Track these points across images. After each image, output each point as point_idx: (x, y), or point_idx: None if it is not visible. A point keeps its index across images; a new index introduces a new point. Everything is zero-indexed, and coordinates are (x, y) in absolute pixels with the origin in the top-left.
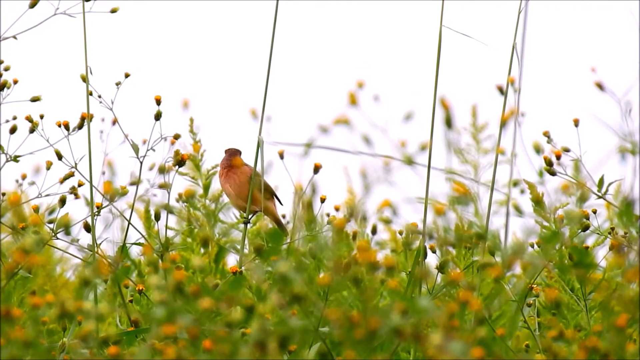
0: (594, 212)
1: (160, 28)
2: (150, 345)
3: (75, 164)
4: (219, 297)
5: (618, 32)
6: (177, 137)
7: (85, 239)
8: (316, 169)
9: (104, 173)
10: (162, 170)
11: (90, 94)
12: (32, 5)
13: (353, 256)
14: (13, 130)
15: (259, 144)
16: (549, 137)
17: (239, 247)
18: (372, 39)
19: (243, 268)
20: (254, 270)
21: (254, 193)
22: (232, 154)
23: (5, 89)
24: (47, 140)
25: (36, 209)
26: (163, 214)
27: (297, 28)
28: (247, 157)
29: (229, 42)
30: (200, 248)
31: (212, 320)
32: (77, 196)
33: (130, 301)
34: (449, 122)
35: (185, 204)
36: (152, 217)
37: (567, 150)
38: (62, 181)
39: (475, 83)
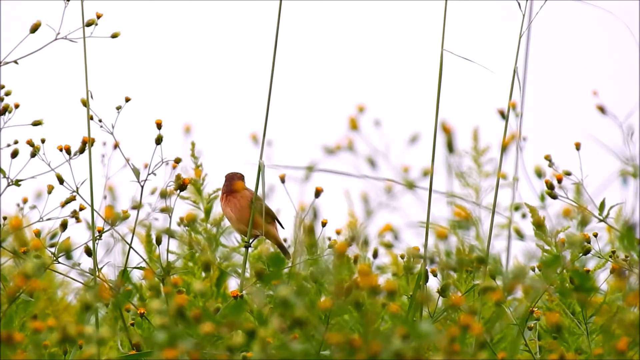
0: (595, 235)
1: (161, 52)
2: None
3: (77, 188)
4: (220, 321)
5: (620, 56)
6: (178, 161)
7: (86, 263)
8: (317, 193)
9: (105, 197)
10: (164, 195)
11: (91, 118)
12: (33, 30)
13: (354, 280)
14: (14, 154)
15: (260, 168)
16: (550, 160)
17: (240, 271)
18: (373, 62)
19: (244, 292)
20: (255, 294)
21: (255, 217)
22: (231, 178)
23: (7, 113)
24: (49, 165)
25: (37, 233)
26: (164, 238)
27: (298, 52)
28: (249, 181)
29: (230, 66)
30: (202, 272)
31: (213, 344)
32: (78, 220)
33: (132, 325)
34: (450, 146)
35: (186, 228)
36: (154, 241)
37: (568, 173)
38: (63, 205)
39: (476, 107)
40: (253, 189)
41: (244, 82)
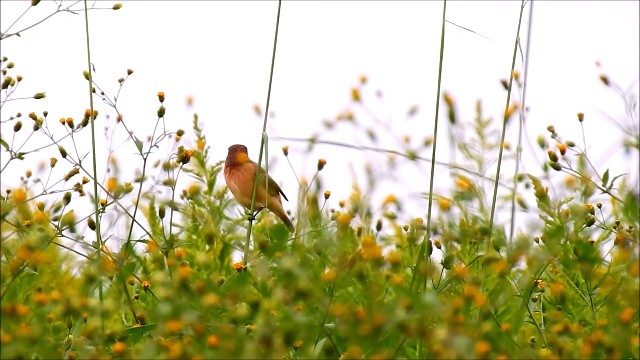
0: (599, 206)
1: (164, 24)
2: (156, 342)
3: (80, 161)
4: (224, 293)
5: (622, 26)
6: (180, 133)
7: (90, 236)
8: (320, 165)
9: (108, 170)
10: (167, 167)
11: (94, 91)
12: (35, 3)
13: (358, 252)
14: (18, 127)
15: (263, 140)
16: (553, 131)
17: (244, 243)
18: (375, 34)
19: (248, 264)
20: (259, 266)
21: (258, 189)
22: (235, 150)
23: (9, 86)
24: (51, 138)
25: (41, 207)
26: (168, 211)
27: (300, 24)
28: (252, 153)
29: (232, 38)
30: (205, 245)
31: (217, 316)
32: (82, 193)
33: (136, 298)
34: (452, 117)
35: (189, 200)
36: (157, 214)
37: (571, 144)
38: (66, 178)
39: (479, 78)
40: (256, 161)
41: (246, 53)
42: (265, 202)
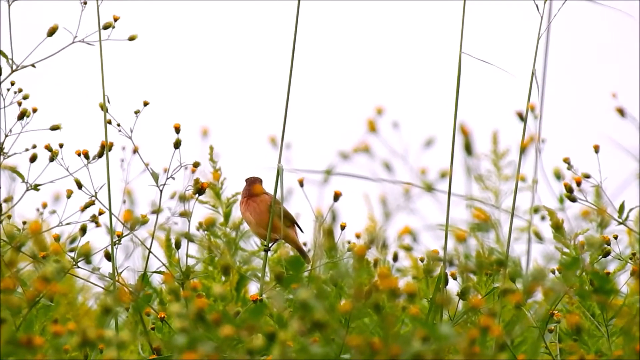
0: (615, 237)
1: (179, 56)
2: None
3: (95, 192)
4: (240, 324)
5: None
6: (196, 165)
7: (106, 267)
8: (336, 197)
9: (124, 202)
10: (183, 199)
11: (109, 122)
12: (51, 34)
13: (374, 283)
14: (33, 159)
15: (279, 172)
16: (569, 163)
17: (259, 274)
18: (391, 65)
19: (264, 296)
20: (275, 298)
21: (274, 221)
22: (252, 182)
23: (25, 118)
24: (67, 169)
25: (57, 238)
26: (184, 242)
27: (316, 55)
28: (267, 185)
29: (248, 70)
30: (222, 276)
31: (233, 347)
32: (98, 224)
33: (152, 329)
34: (468, 148)
35: (205, 232)
36: (173, 245)
37: (587, 176)
38: (83, 209)
39: (495, 110)
40: (272, 192)
41: (262, 84)
42: (281, 234)
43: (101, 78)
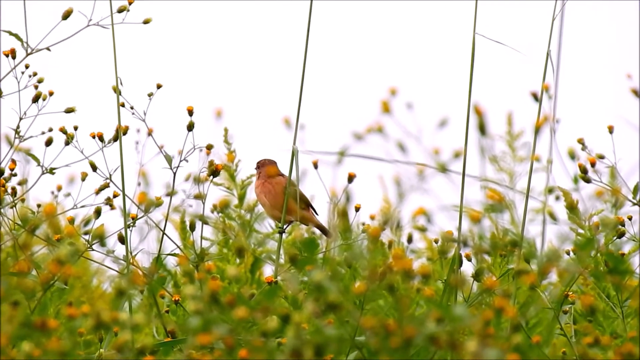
0: (630, 218)
1: (193, 38)
2: (187, 355)
3: (110, 175)
4: (254, 306)
5: None
6: (210, 147)
7: (120, 250)
8: (350, 178)
9: (139, 184)
10: (197, 181)
11: (123, 105)
12: (65, 17)
13: (388, 264)
14: (49, 142)
15: (294, 154)
16: (583, 144)
17: (274, 257)
18: (405, 46)
19: (279, 278)
20: (289, 280)
21: (289, 203)
22: (267, 164)
23: (41, 101)
24: (82, 152)
25: (71, 220)
26: (198, 225)
27: (330, 37)
28: (282, 167)
29: (262, 51)
30: (236, 258)
31: (247, 330)
32: (112, 207)
33: (167, 312)
34: (482, 129)
35: (220, 214)
36: (188, 227)
37: (602, 157)
38: (97, 192)
39: (510, 91)
40: (286, 173)
41: (276, 66)
42: (296, 216)
43: (114, 61)
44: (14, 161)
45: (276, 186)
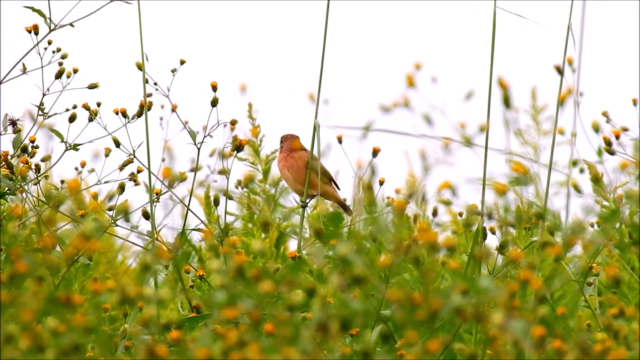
0: None
1: (216, 13)
2: (212, 330)
3: (134, 150)
4: (279, 280)
5: None
6: (234, 122)
7: (145, 226)
8: (375, 153)
9: (163, 160)
10: (221, 156)
11: (147, 81)
12: None
13: (413, 238)
14: (72, 118)
15: (315, 128)
16: (607, 117)
17: (298, 231)
18: (427, 20)
19: (304, 252)
20: (314, 254)
21: (311, 177)
22: (290, 138)
23: (65, 77)
24: (105, 128)
25: (95, 196)
26: (223, 200)
27: (353, 11)
28: (305, 141)
29: (285, 25)
30: (261, 233)
31: (273, 304)
32: (136, 183)
33: (191, 287)
34: (507, 102)
35: (245, 189)
36: (212, 202)
37: (626, 129)
38: (121, 168)
39: (533, 64)
40: (309, 148)
41: (301, 40)
42: (319, 190)
43: (139, 37)
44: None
45: (299, 160)
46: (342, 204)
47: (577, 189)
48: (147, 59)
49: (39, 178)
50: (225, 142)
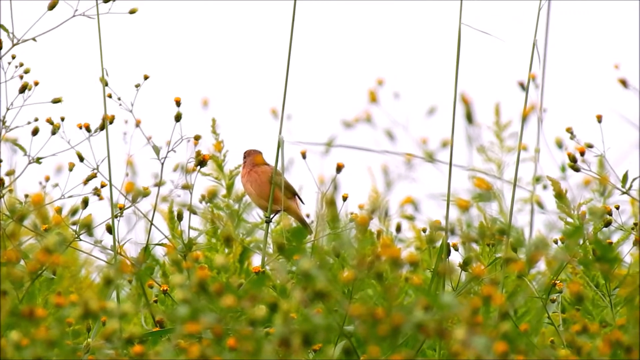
0: (617, 208)
1: (178, 28)
2: (175, 345)
3: (97, 165)
4: (242, 295)
5: None
6: (197, 137)
7: (109, 240)
8: (339, 168)
9: (127, 174)
10: (185, 171)
11: (110, 96)
12: (51, 7)
13: (377, 253)
14: (35, 132)
15: (280, 143)
16: (572, 133)
17: (262, 246)
18: (391, 36)
19: (267, 267)
20: (277, 269)
21: (275, 192)
22: (253, 154)
23: (27, 91)
24: (69, 142)
25: (59, 210)
26: (186, 215)
27: (316, 26)
28: (269, 157)
29: (248, 41)
30: (224, 248)
31: (236, 318)
32: (100, 197)
33: (155, 302)
34: (469, 117)
35: (208, 204)
36: (175, 217)
37: (590, 146)
38: (85, 182)
39: (497, 81)
40: (273, 163)
41: (262, 56)
42: (282, 205)
43: (100, 52)
44: None
45: (262, 175)
46: (302, 221)
47: (541, 205)
48: (107, 74)
49: (3, 192)
50: (188, 157)
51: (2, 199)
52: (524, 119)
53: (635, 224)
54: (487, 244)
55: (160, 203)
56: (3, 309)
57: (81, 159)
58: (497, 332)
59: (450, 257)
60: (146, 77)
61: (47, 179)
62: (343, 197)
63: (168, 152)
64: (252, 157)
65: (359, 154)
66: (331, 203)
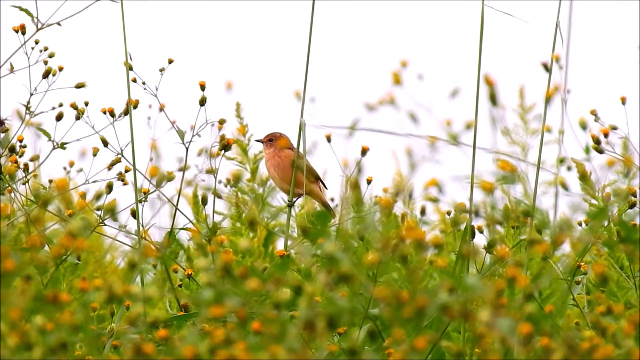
0: None
1: (202, 12)
2: (200, 329)
3: (121, 150)
4: (266, 278)
5: None
6: (222, 122)
7: (133, 225)
8: (364, 152)
9: (151, 159)
10: (209, 155)
11: (134, 80)
12: None
13: (401, 236)
14: (59, 117)
15: (301, 127)
16: (596, 115)
17: (285, 230)
18: (414, 18)
19: (291, 251)
20: (302, 252)
21: (297, 176)
22: (277, 137)
23: (51, 76)
24: (93, 127)
25: (83, 195)
26: (211, 199)
27: (339, 8)
28: (292, 140)
29: (271, 23)
30: (249, 232)
31: (260, 302)
32: (124, 182)
33: (180, 286)
34: (493, 99)
35: (232, 188)
36: (200, 202)
37: (614, 128)
38: (109, 167)
39: (520, 63)
40: (296, 147)
41: (289, 38)
42: (304, 189)
43: (124, 36)
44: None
45: (285, 159)
46: (325, 205)
47: (565, 187)
48: (131, 58)
49: (28, 177)
50: (213, 141)
51: (26, 184)
52: (548, 100)
53: None
54: (511, 226)
55: (184, 187)
56: (28, 294)
57: (105, 143)
58: (522, 314)
59: (474, 240)
60: (170, 61)
61: (72, 164)
62: (367, 180)
63: (192, 136)
64: (276, 141)
65: (383, 137)
66: (355, 186)
